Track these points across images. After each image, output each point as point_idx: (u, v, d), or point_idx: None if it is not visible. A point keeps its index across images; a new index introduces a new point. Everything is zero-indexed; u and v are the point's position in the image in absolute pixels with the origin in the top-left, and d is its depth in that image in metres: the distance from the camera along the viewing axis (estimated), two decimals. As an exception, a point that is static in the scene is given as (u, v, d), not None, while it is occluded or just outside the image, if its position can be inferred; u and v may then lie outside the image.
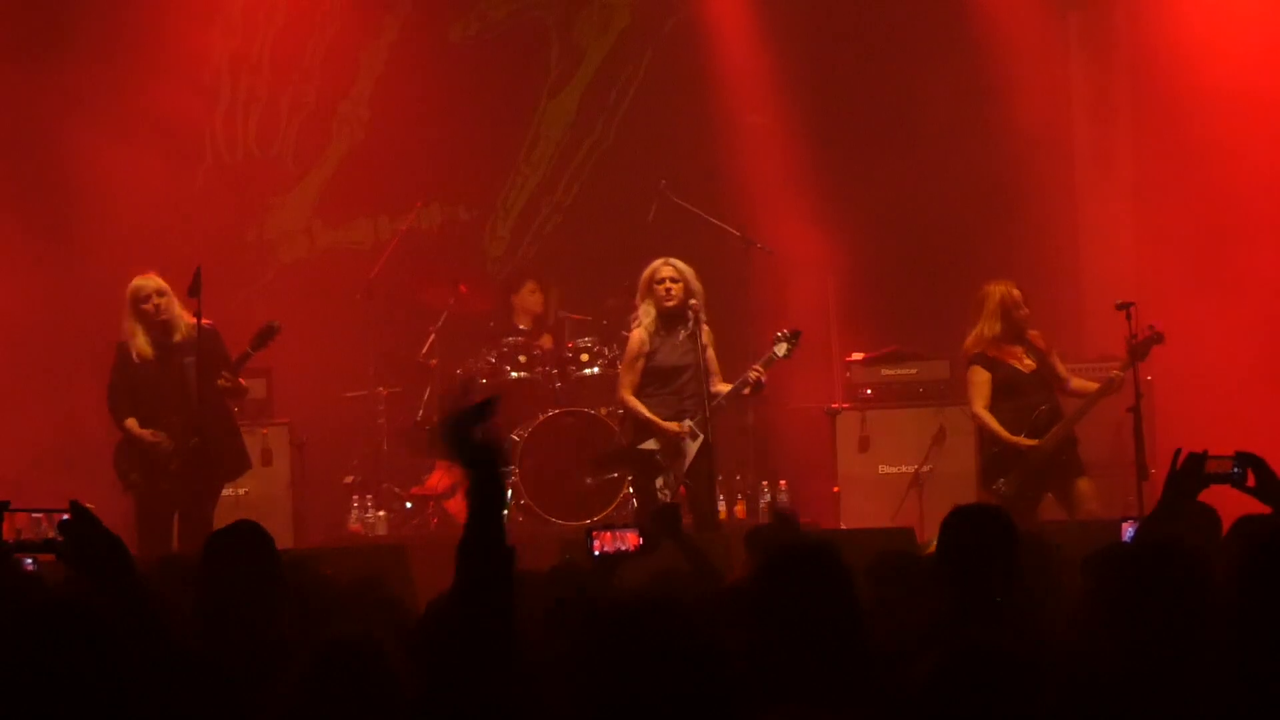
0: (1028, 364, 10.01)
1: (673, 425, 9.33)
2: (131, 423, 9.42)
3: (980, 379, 10.00)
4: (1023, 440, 9.85)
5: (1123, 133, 12.74)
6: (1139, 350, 9.73)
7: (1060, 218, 12.94)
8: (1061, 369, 10.15)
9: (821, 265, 12.93)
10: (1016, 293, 10.02)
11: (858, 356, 11.96)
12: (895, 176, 12.97)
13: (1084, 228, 12.92)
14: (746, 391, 9.51)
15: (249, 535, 4.81)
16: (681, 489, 9.55)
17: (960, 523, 4.86)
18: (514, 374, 11.61)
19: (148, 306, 9.43)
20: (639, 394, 9.46)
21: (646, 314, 9.47)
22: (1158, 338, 9.81)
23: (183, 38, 13.15)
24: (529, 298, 12.21)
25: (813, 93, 13.35)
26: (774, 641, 4.05)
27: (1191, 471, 5.24)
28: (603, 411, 11.34)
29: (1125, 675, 3.77)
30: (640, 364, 9.43)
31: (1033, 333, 10.09)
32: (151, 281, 9.44)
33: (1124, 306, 9.91)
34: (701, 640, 3.08)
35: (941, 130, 12.86)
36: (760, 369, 9.43)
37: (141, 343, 9.44)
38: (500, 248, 13.79)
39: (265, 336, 9.57)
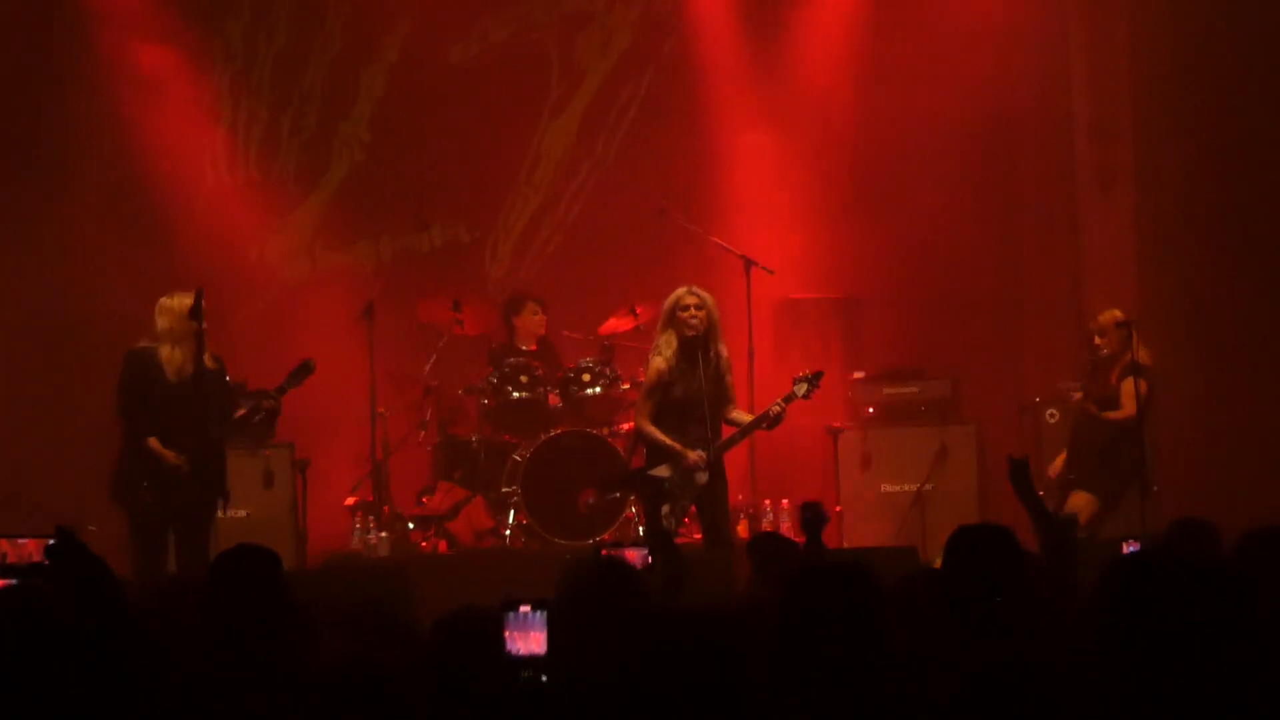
0: (1085, 393, 10.26)
1: (690, 453, 9.32)
2: (155, 442, 9.37)
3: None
4: (1055, 464, 10.52)
5: (1124, 153, 12.74)
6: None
7: (1062, 238, 12.94)
8: (1122, 402, 10.11)
9: (822, 284, 12.94)
10: (1090, 326, 10.35)
11: (860, 375, 11.96)
12: (896, 196, 12.99)
13: (1085, 248, 12.92)
14: (763, 426, 9.48)
15: (256, 556, 4.80)
16: (692, 509, 9.54)
17: (964, 542, 4.86)
18: (515, 394, 11.61)
19: (194, 324, 9.33)
20: (654, 422, 9.44)
21: (668, 344, 9.38)
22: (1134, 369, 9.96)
23: (184, 61, 13.20)
24: (531, 319, 12.21)
25: (813, 112, 13.37)
26: (799, 658, 4.04)
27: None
28: (604, 431, 11.35)
29: (1135, 694, 3.77)
30: (658, 395, 9.40)
31: (1127, 360, 10.07)
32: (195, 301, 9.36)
33: (1124, 325, 9.94)
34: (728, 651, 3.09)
35: (942, 151, 12.87)
36: (781, 405, 9.42)
37: (180, 360, 9.39)
38: (501, 268, 13.79)
39: (302, 374, 9.59)
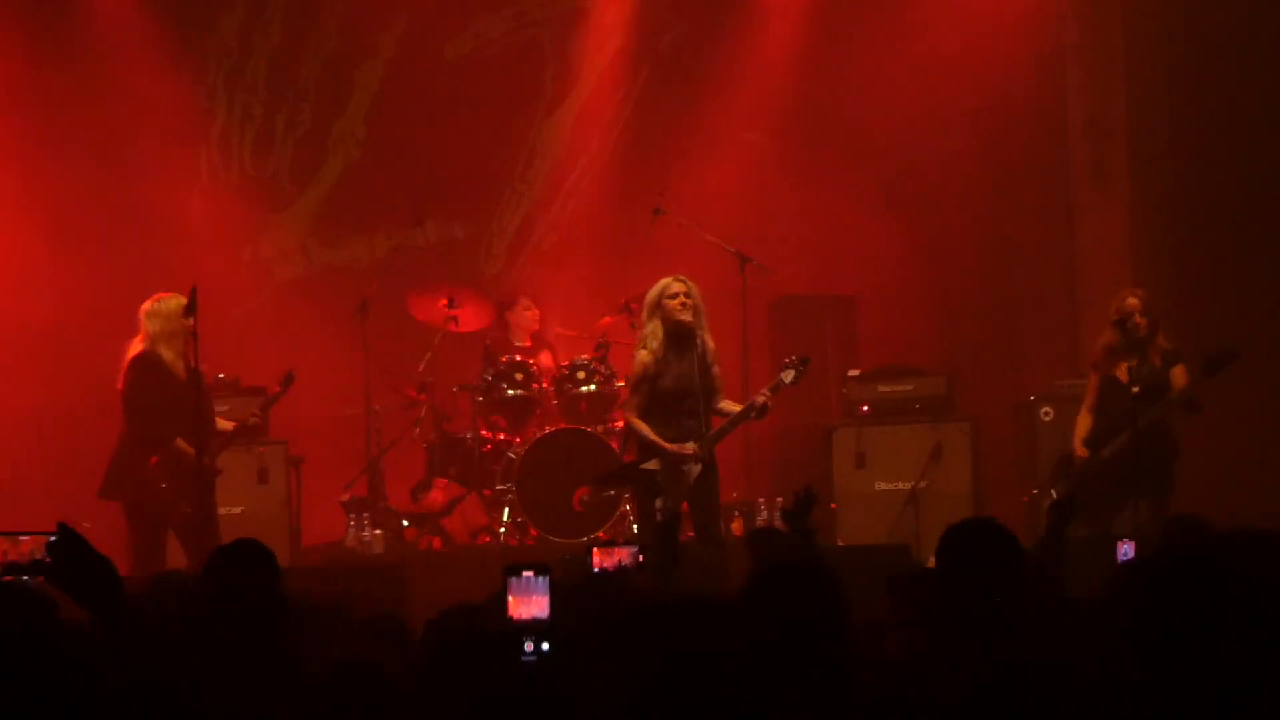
0: (1131, 374, 9.97)
1: (677, 447, 9.28)
2: (183, 443, 9.47)
3: (1089, 384, 10.21)
4: (1075, 447, 10.02)
5: (1119, 150, 12.76)
6: (1217, 363, 9.69)
7: (1057, 235, 12.96)
8: (1178, 382, 9.86)
9: (817, 282, 12.95)
10: (1130, 301, 9.97)
11: (854, 372, 11.96)
12: (891, 193, 13.00)
13: (1081, 245, 12.94)
14: (752, 416, 9.43)
15: (251, 553, 4.81)
16: (685, 505, 9.51)
17: (956, 539, 4.85)
18: (510, 391, 11.61)
19: (189, 322, 9.44)
20: (643, 415, 9.40)
21: (654, 336, 9.30)
22: (1234, 355, 9.72)
23: (179, 59, 13.19)
24: (524, 315, 12.22)
25: (809, 109, 13.38)
26: (763, 654, 4.04)
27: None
28: (600, 429, 11.34)
29: (1144, 695, 3.77)
30: (645, 387, 9.33)
31: (1161, 344, 9.95)
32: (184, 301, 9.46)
33: (1121, 323, 9.92)
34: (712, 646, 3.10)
35: (937, 149, 12.88)
36: (767, 394, 9.36)
37: (178, 362, 9.50)
38: (496, 265, 13.80)
39: (288, 383, 9.95)
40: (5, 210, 12.73)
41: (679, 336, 9.25)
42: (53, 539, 3.93)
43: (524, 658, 4.41)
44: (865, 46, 13.06)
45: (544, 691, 3.56)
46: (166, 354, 9.50)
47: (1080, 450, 10.03)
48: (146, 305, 9.66)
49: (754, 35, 13.37)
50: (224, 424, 10.00)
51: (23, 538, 4.84)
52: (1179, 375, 9.88)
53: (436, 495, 11.64)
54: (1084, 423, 10.12)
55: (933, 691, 3.99)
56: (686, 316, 9.23)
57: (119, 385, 9.72)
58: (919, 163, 12.92)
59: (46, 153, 12.84)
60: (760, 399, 9.31)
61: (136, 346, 9.63)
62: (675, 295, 9.26)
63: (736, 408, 9.41)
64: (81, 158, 12.90)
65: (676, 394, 9.28)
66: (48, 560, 3.91)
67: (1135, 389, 9.80)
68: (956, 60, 12.82)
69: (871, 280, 12.88)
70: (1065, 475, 10.12)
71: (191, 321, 9.32)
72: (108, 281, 12.56)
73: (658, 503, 9.26)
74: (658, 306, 9.30)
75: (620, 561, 5.74)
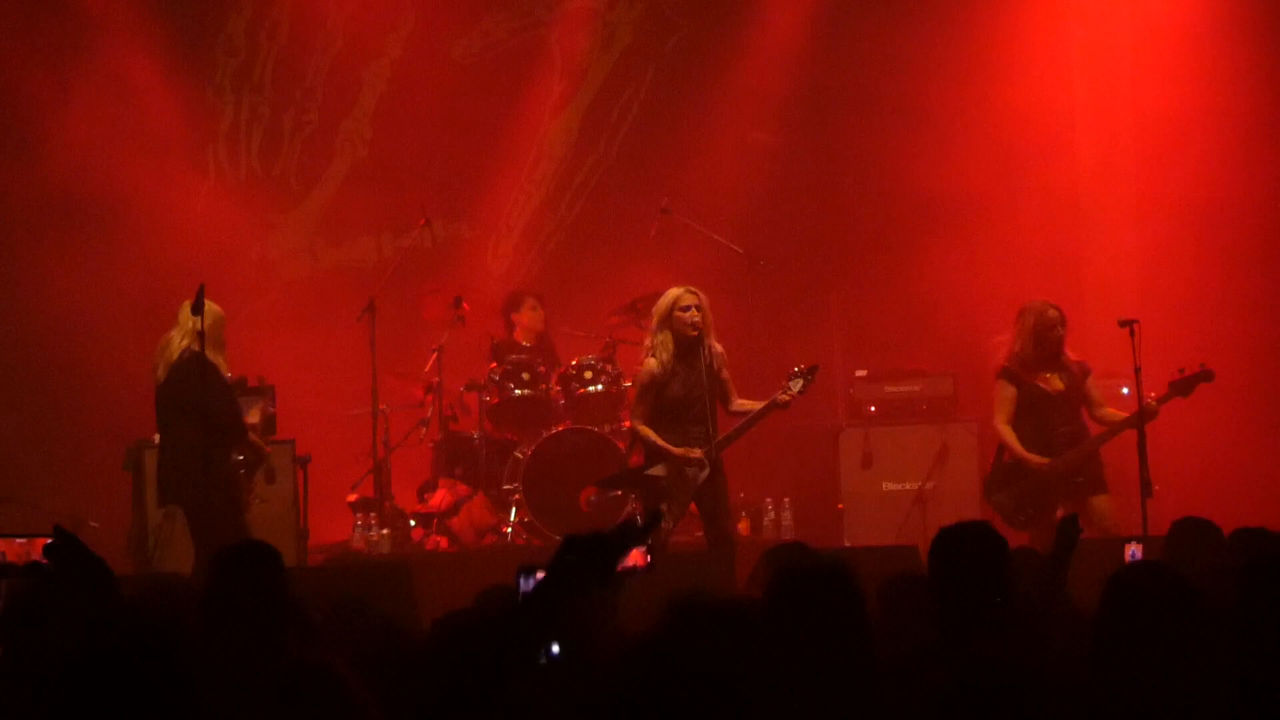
0: (1056, 385, 9.94)
1: (682, 451, 9.28)
2: (254, 435, 9.67)
3: (1005, 394, 10.02)
4: (1032, 457, 9.87)
5: (1125, 150, 12.75)
6: (1185, 386, 9.67)
7: (1063, 235, 12.94)
8: (1095, 394, 9.95)
9: (824, 282, 12.94)
10: (1052, 314, 9.95)
11: (861, 373, 11.95)
12: (898, 193, 12.98)
13: (1087, 244, 12.92)
14: (778, 407, 9.41)
15: (257, 553, 4.80)
16: (694, 508, 9.51)
17: (947, 543, 4.86)
18: (517, 391, 11.62)
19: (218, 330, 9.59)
20: (650, 423, 9.40)
21: (664, 347, 9.32)
22: (1207, 375, 9.72)
23: (186, 57, 13.20)
24: (529, 315, 12.21)
25: (816, 109, 13.38)
26: (786, 658, 4.05)
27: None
28: (607, 429, 11.34)
29: (1132, 693, 3.77)
30: (652, 395, 9.35)
31: (1070, 354, 9.97)
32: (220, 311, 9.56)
33: (1127, 324, 9.90)
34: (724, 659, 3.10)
35: (944, 148, 12.86)
36: (789, 392, 9.35)
37: (224, 366, 9.60)
38: (503, 265, 13.80)
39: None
40: (13, 208, 12.74)
41: (690, 346, 9.28)
42: (49, 542, 3.92)
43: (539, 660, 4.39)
44: (871, 46, 13.05)
45: (556, 695, 3.56)
46: (212, 355, 9.53)
47: (1038, 459, 9.92)
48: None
49: (760, 35, 13.36)
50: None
51: (18, 540, 4.83)
52: (1093, 385, 9.92)
53: (443, 495, 11.64)
54: (1011, 433, 10.02)
55: (925, 691, 4.00)
56: (700, 329, 9.25)
57: (165, 381, 9.61)
58: (925, 162, 12.89)
59: (53, 151, 12.84)
60: (783, 397, 9.31)
61: (177, 346, 9.56)
62: (688, 308, 9.29)
63: (753, 405, 9.41)
64: (89, 156, 12.90)
65: (684, 401, 9.31)
66: (44, 562, 3.90)
67: (1061, 397, 9.85)
68: (964, 59, 12.81)
69: (877, 280, 12.87)
70: (1013, 484, 10.01)
71: (200, 321, 9.31)
72: (114, 280, 12.57)
73: (662, 508, 9.27)
74: (669, 318, 9.32)
75: (629, 564, 5.71)
